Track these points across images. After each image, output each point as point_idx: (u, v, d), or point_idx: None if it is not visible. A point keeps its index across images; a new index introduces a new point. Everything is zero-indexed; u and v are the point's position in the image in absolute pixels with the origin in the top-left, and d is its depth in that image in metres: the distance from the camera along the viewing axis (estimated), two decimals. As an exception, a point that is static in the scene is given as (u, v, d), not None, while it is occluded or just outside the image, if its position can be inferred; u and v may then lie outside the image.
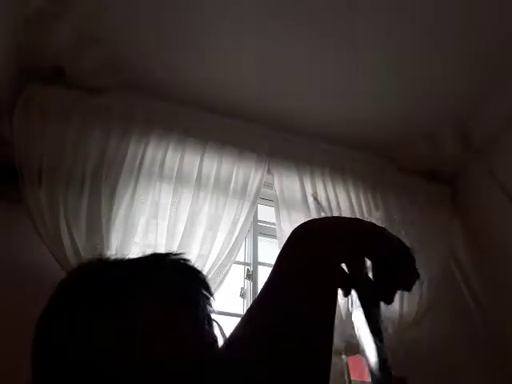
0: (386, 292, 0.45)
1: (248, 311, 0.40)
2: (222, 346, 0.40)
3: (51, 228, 1.47)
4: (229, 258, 1.62)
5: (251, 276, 1.83)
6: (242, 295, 1.80)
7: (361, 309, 0.44)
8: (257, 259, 1.89)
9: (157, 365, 0.41)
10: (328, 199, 1.98)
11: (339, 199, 2.00)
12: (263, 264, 1.89)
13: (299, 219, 1.86)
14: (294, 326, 0.36)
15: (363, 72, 1.94)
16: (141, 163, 1.75)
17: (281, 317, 0.37)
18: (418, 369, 1.67)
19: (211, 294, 0.54)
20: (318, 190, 1.99)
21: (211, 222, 1.70)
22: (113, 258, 0.52)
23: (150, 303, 0.46)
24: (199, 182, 1.80)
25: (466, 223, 2.20)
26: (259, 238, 1.98)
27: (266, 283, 0.40)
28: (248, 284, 1.82)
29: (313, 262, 0.40)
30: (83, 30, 1.71)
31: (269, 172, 2.00)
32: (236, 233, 1.70)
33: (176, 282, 0.50)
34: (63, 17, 1.66)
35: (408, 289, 0.46)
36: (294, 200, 1.94)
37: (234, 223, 1.74)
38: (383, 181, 2.16)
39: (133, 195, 1.66)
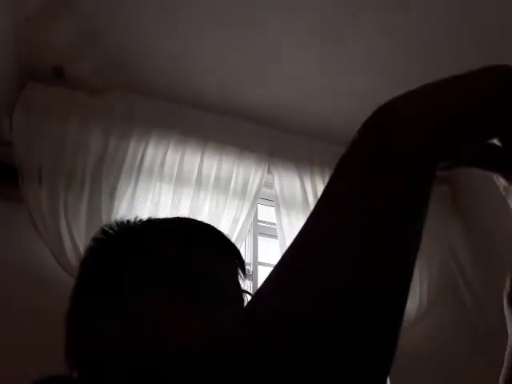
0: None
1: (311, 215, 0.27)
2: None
3: (51, 228, 1.47)
4: (229, 258, 1.62)
5: (251, 276, 1.83)
6: (242, 295, 1.80)
7: None
8: (257, 259, 1.89)
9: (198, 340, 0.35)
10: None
11: (339, 199, 2.00)
12: (263, 264, 1.89)
13: (299, 219, 1.86)
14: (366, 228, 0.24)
15: (363, 72, 1.94)
16: (141, 163, 1.75)
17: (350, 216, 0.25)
18: (418, 368, 1.67)
19: (242, 263, 0.51)
20: (318, 190, 1.99)
21: (211, 222, 1.69)
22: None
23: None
24: (199, 182, 1.80)
25: (466, 223, 2.20)
26: (259, 237, 1.98)
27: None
28: (248, 284, 1.83)
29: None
30: (83, 29, 1.71)
31: (269, 172, 2.00)
32: (236, 233, 1.71)
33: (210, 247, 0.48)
34: (63, 17, 1.66)
35: None
36: (294, 200, 1.94)
37: (234, 223, 1.74)
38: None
39: (133, 195, 1.66)
